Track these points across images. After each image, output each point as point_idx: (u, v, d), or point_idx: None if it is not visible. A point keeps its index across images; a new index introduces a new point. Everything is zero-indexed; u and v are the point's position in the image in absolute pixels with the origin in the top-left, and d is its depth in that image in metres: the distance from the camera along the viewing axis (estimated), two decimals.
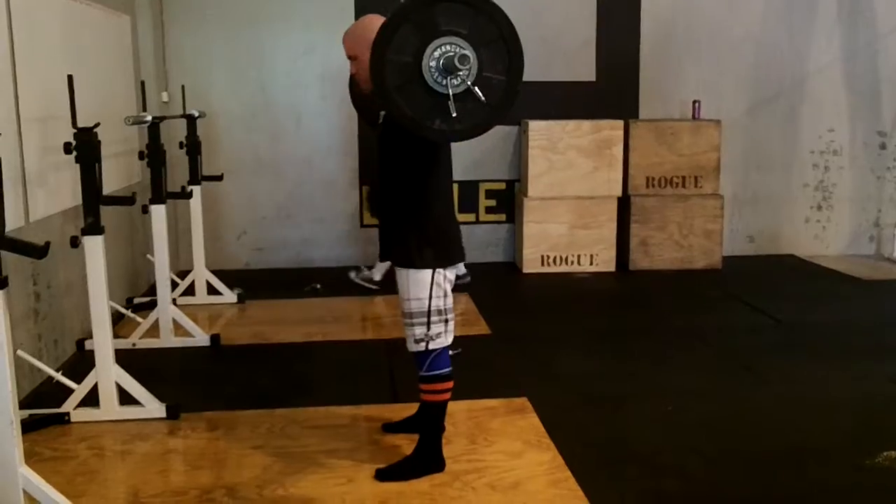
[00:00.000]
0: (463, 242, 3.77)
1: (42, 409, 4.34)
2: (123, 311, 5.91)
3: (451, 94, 3.10)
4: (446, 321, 3.63)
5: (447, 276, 3.62)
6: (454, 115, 3.12)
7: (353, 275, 7.17)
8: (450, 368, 3.69)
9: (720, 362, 5.31)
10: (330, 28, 7.68)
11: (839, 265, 8.05)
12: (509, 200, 8.22)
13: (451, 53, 3.07)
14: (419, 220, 3.58)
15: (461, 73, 3.08)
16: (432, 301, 3.56)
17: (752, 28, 8.21)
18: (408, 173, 3.58)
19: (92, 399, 4.34)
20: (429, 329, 3.59)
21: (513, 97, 3.24)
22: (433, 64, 3.10)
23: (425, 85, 3.12)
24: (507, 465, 3.84)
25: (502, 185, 8.21)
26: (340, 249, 7.99)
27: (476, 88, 3.12)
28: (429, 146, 3.46)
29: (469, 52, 3.08)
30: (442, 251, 3.60)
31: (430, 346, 3.61)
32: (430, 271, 3.55)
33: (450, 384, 3.71)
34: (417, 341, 3.61)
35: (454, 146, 3.69)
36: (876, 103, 8.43)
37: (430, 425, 3.78)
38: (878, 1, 8.28)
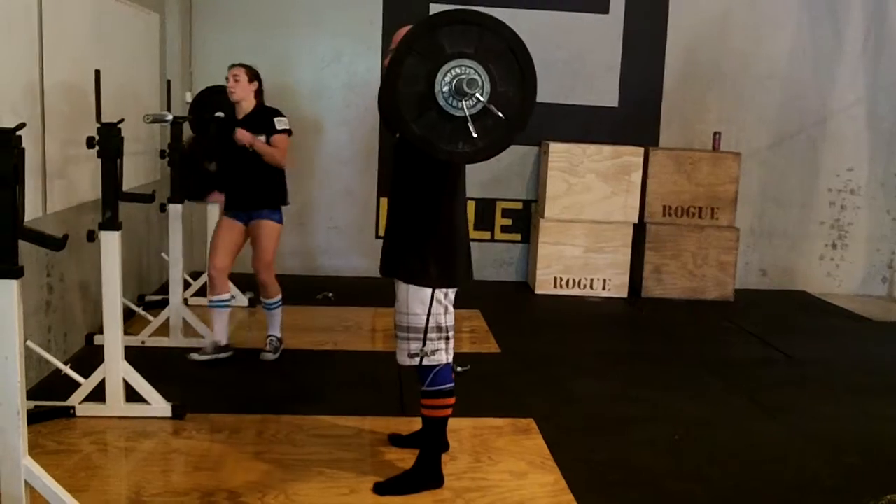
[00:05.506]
0: (472, 262, 3.74)
1: (48, 401, 4.34)
2: (135, 308, 5.91)
3: (468, 115, 3.10)
4: (447, 339, 3.62)
5: (448, 293, 3.61)
6: (475, 135, 3.12)
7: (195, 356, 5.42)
8: (452, 384, 3.68)
9: (729, 393, 5.28)
10: (357, 38, 7.75)
11: (851, 304, 8.01)
12: (525, 220, 8.22)
13: (462, 77, 3.07)
14: (426, 237, 3.56)
15: (475, 94, 3.08)
16: (431, 318, 3.55)
17: (778, 64, 8.20)
18: (419, 189, 3.56)
19: (98, 394, 4.33)
20: (424, 345, 3.57)
21: (530, 107, 3.22)
22: (446, 89, 3.09)
23: (441, 111, 3.11)
24: (510, 485, 3.81)
25: (519, 205, 8.21)
26: (354, 259, 7.99)
27: (492, 106, 3.11)
28: (442, 165, 3.43)
29: (477, 74, 3.08)
30: (445, 271, 3.58)
31: (425, 363, 3.60)
32: (430, 289, 3.55)
33: (451, 400, 3.69)
34: (412, 356, 3.60)
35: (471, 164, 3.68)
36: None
37: (429, 440, 3.77)
38: None
